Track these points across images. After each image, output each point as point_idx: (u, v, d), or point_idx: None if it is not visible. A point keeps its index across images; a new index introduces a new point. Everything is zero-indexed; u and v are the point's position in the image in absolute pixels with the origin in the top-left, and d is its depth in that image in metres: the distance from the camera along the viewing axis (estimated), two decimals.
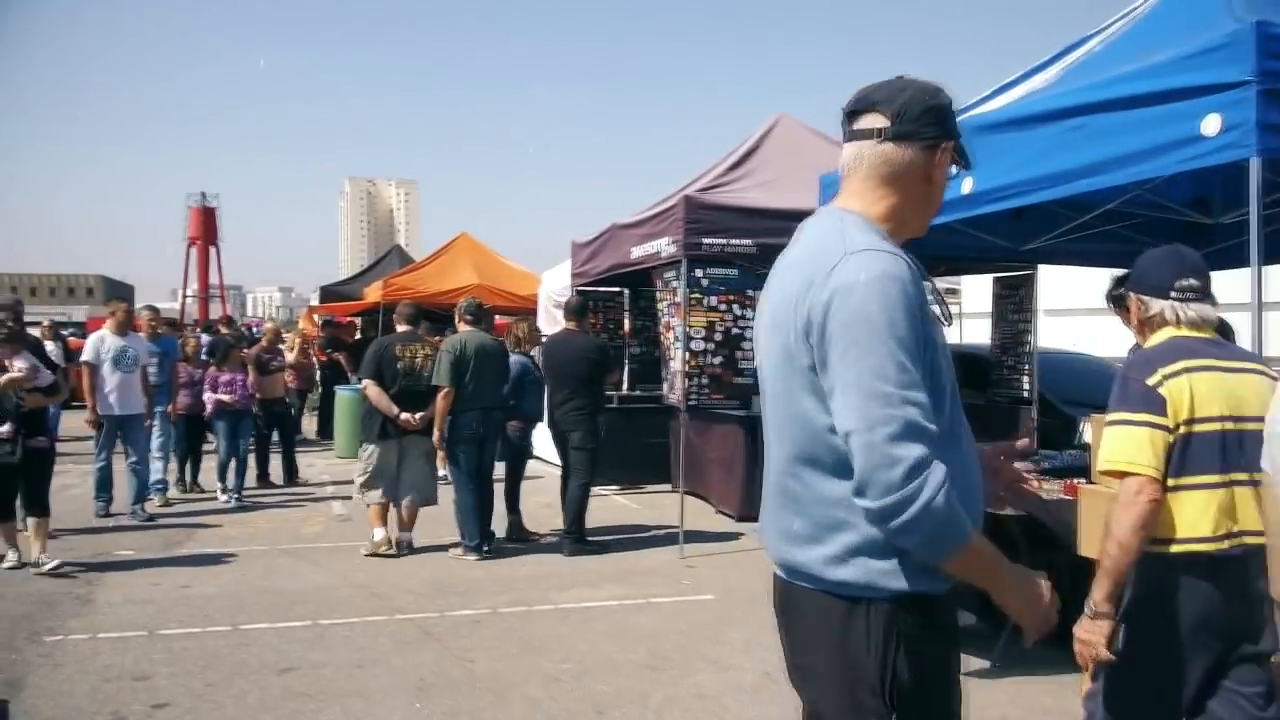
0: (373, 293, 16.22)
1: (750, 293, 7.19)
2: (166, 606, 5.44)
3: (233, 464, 8.98)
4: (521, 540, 7.37)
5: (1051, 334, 8.43)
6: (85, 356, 7.85)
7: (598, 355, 7.24)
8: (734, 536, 7.64)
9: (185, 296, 79.71)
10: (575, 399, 7.10)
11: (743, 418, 8.01)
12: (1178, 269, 2.56)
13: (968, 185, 4.61)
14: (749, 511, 8.25)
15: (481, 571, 6.41)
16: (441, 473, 7.68)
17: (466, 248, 16.51)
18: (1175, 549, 2.35)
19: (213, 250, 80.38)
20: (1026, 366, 8.31)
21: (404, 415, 6.77)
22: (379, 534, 6.84)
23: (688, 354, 6.96)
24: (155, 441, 8.78)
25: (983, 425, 7.25)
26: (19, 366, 5.85)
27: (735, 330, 7.12)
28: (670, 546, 7.05)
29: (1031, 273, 8.17)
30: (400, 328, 7.36)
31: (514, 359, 7.50)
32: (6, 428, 5.82)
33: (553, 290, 12.53)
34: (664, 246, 7.17)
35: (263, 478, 9.96)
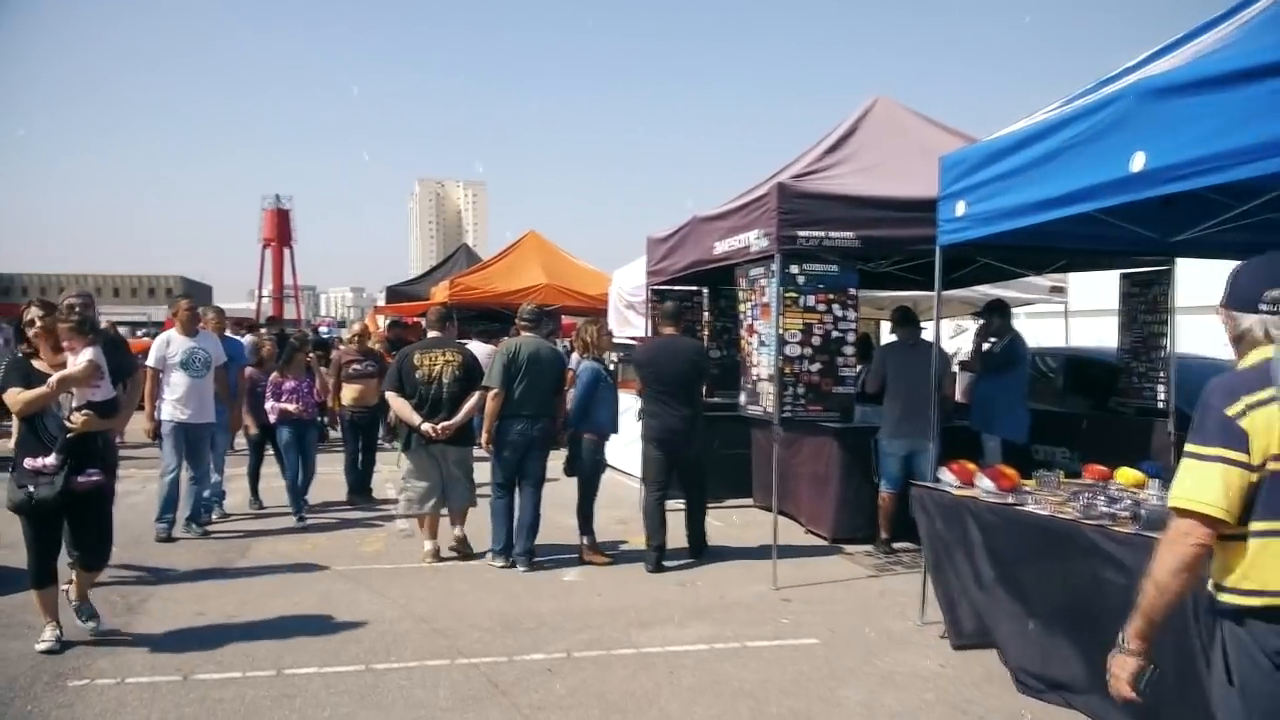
0: (439, 292, 15.81)
1: (852, 291, 6.42)
2: (208, 642, 4.89)
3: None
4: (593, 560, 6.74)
5: (1183, 335, 7.46)
6: (149, 360, 7.29)
7: (703, 360, 7.00)
8: (829, 561, 6.88)
9: (261, 296, 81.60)
10: (681, 407, 6.78)
11: (837, 429, 7.25)
12: (1270, 278, 2.28)
13: (1138, 162, 3.78)
14: (843, 533, 7.48)
15: (552, 602, 5.76)
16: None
17: (534, 246, 16.01)
18: (1258, 602, 2.14)
19: (287, 251, 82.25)
20: (1162, 374, 7.38)
21: (425, 425, 6.60)
22: (428, 545, 6.82)
23: (781, 360, 6.23)
24: (217, 453, 8.25)
25: (1102, 439, 6.34)
26: (83, 360, 4.55)
27: (835, 333, 6.36)
28: (761, 573, 6.32)
29: (1169, 268, 7.25)
30: (430, 334, 7.21)
31: (584, 366, 6.87)
32: (51, 459, 4.47)
33: (624, 290, 11.87)
34: (753, 240, 6.43)
35: (359, 491, 9.27)
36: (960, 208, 5.07)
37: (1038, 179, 4.42)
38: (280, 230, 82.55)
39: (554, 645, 4.92)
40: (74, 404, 4.57)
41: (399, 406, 6.76)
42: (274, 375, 8.29)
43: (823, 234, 6.11)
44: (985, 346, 7.56)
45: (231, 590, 5.92)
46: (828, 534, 7.58)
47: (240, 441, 9.64)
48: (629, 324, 11.71)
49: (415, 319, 18.27)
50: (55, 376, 4.51)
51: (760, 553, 7.08)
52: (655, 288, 8.91)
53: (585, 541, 6.82)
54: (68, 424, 4.53)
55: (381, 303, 24.58)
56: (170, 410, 7.21)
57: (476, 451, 6.99)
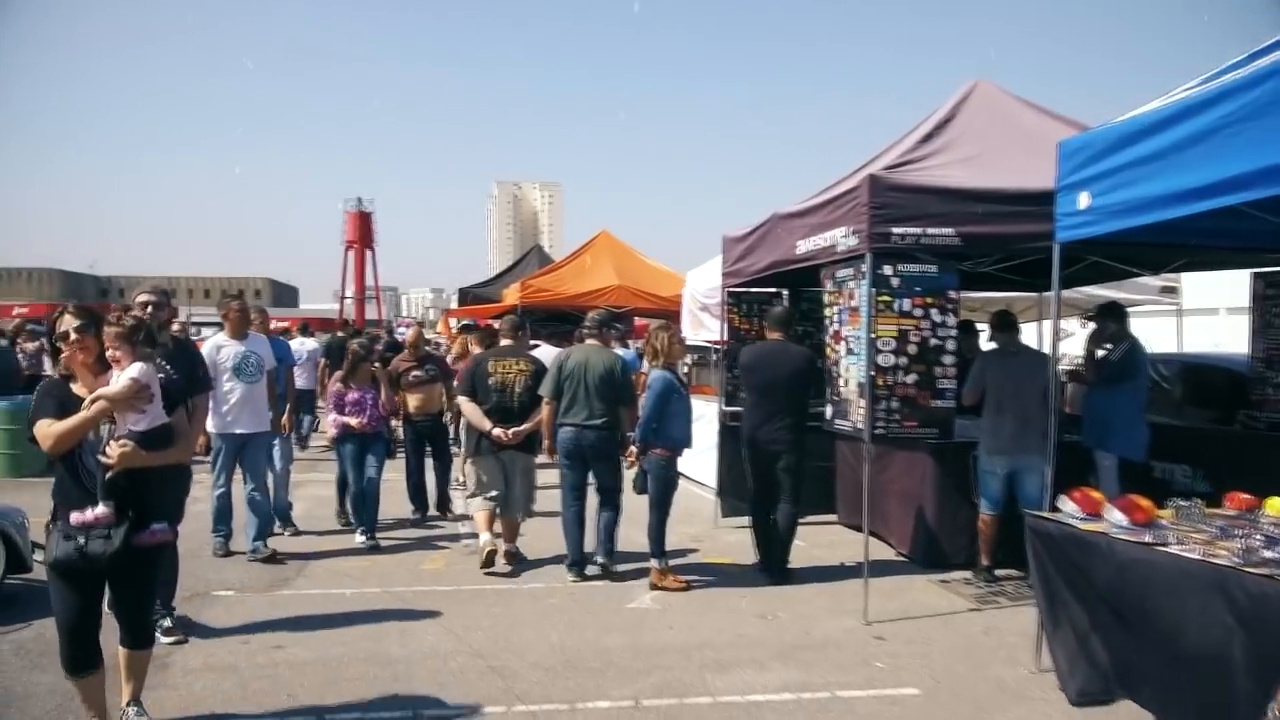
0: (511, 294, 15.50)
1: (952, 294, 5.80)
2: (249, 677, 4.54)
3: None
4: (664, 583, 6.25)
5: None
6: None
7: (810, 367, 6.64)
8: (925, 589, 6.27)
9: (344, 298, 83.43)
10: (784, 416, 6.49)
11: (932, 445, 6.62)
12: None
13: None
14: (938, 558, 6.84)
15: (620, 636, 5.28)
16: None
17: (606, 246, 15.60)
18: None
19: (369, 253, 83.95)
20: None
21: (495, 431, 6.66)
22: (484, 538, 6.76)
23: (874, 370, 5.65)
24: (278, 465, 7.92)
25: (1229, 458, 5.50)
26: (125, 377, 3.53)
27: (934, 340, 5.75)
28: (849, 602, 5.76)
29: None
30: (503, 341, 7.29)
31: (655, 375, 6.39)
32: (101, 509, 3.48)
33: (698, 291, 11.35)
34: (840, 238, 5.86)
35: (442, 506, 8.77)
36: (1083, 200, 4.44)
37: (1181, 166, 3.80)
38: (362, 232, 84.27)
39: (620, 690, 4.44)
40: (114, 432, 3.55)
41: (470, 411, 6.84)
42: (336, 386, 7.75)
43: (919, 231, 5.51)
44: (1100, 354, 6.83)
45: (282, 612, 5.60)
46: (921, 558, 6.95)
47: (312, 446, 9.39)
48: (703, 327, 11.20)
49: (487, 321, 18.08)
50: (91, 397, 3.50)
51: (847, 576, 6.54)
52: (732, 290, 8.38)
53: (657, 565, 6.32)
54: (103, 458, 3.51)
55: (454, 305, 24.55)
56: (222, 421, 6.76)
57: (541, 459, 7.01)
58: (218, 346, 6.90)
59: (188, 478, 5.02)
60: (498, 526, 6.93)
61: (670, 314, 12.94)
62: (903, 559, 7.12)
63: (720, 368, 9.11)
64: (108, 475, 3.49)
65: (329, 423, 7.74)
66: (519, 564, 6.88)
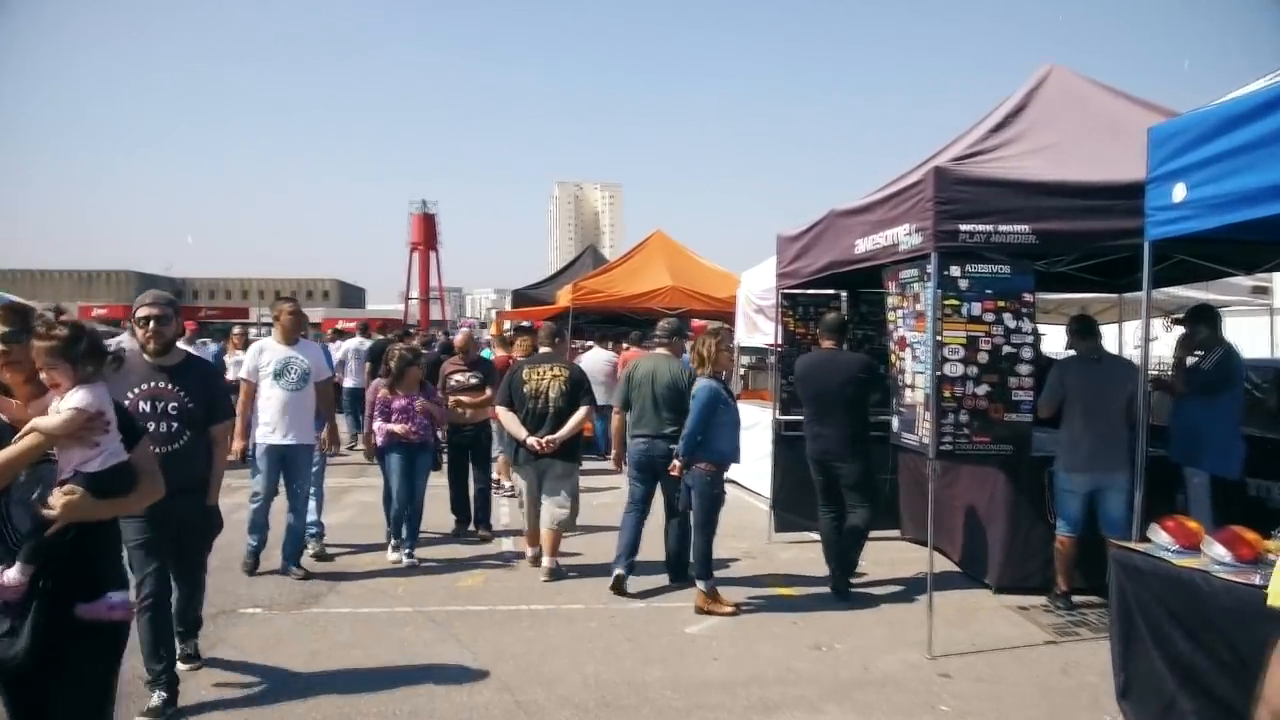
0: (563, 296, 15.23)
1: (1027, 297, 5.30)
2: (267, 699, 4.30)
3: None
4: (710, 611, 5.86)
5: None
6: (242, 370, 6.66)
7: (869, 375, 6.38)
8: (995, 616, 5.77)
9: (409, 298, 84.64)
10: (841, 427, 6.25)
11: (1006, 456, 6.09)
12: None
13: None
14: (1010, 581, 6.32)
15: (659, 668, 4.89)
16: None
17: (660, 247, 15.23)
18: None
19: (433, 255, 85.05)
20: None
21: (530, 439, 6.63)
22: (529, 552, 6.98)
23: (940, 380, 5.18)
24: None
25: None
26: (66, 405, 2.68)
27: (1007, 348, 5.25)
28: (912, 632, 5.30)
29: None
30: (541, 349, 7.36)
31: (700, 385, 5.99)
32: (13, 574, 2.58)
33: (753, 293, 10.91)
34: (903, 236, 5.40)
35: (480, 521, 8.17)
36: (1179, 192, 3.95)
37: None
38: (427, 234, 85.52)
39: None
40: (56, 474, 2.70)
41: (507, 420, 6.85)
42: (382, 392, 7.25)
43: (990, 228, 5.02)
44: (1191, 362, 6.24)
45: (308, 634, 5.35)
46: (991, 580, 6.44)
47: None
48: (758, 329, 10.76)
49: (541, 323, 17.85)
50: (24, 430, 2.65)
51: (910, 599, 6.08)
52: (786, 291, 7.94)
53: (703, 587, 5.91)
54: (45, 511, 2.62)
55: (508, 306, 24.40)
56: (262, 430, 6.42)
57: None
58: (260, 349, 6.56)
59: (217, 523, 4.56)
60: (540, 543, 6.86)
61: (725, 315, 12.55)
62: (971, 581, 6.61)
63: (776, 372, 8.67)
64: (46, 531, 2.60)
65: (375, 429, 7.21)
66: (559, 578, 6.63)
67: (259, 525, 6.61)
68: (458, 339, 9.29)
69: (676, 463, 6.02)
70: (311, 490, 6.89)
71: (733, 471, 11.04)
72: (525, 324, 17.47)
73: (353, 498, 9.84)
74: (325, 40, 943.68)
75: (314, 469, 6.88)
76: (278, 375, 6.42)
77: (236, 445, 6.15)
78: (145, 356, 4.26)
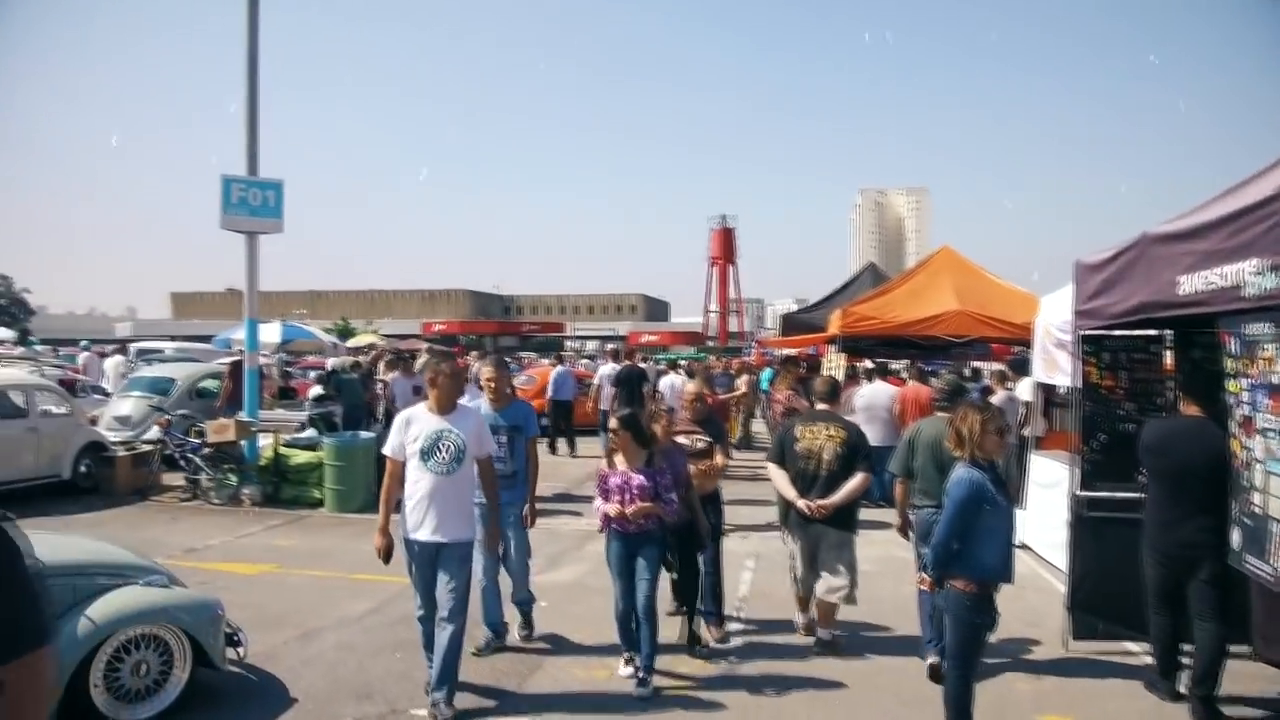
0: (834, 322, 13.89)
1: None
2: None
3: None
4: None
5: None
6: (386, 446, 5.33)
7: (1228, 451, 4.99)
8: None
9: (708, 312, 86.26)
10: (1205, 514, 5.05)
11: None
12: None
13: None
14: None
15: None
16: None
17: (947, 265, 13.47)
18: None
19: (731, 268, 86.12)
20: None
21: (801, 502, 6.07)
22: (798, 618, 6.54)
23: None
24: (477, 567, 5.73)
25: None
26: None
27: None
28: None
29: None
30: (819, 406, 6.71)
31: (959, 476, 4.51)
32: None
33: (1053, 323, 9.02)
34: (1250, 276, 3.76)
35: (710, 615, 6.45)
36: None
37: None
38: (725, 248, 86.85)
39: None
40: None
41: (777, 479, 6.36)
42: (601, 464, 5.71)
43: None
44: None
45: None
46: None
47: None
48: (1058, 370, 8.85)
49: (807, 354, 16.56)
50: None
51: None
52: (1088, 334, 6.24)
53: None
54: None
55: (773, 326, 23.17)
56: (410, 522, 5.16)
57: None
58: (407, 421, 5.28)
59: None
60: (813, 610, 6.39)
61: (1022, 342, 10.73)
62: None
63: (1075, 431, 6.89)
64: None
65: (595, 508, 5.69)
66: (833, 651, 6.10)
67: (432, 639, 5.17)
68: (688, 389, 7.15)
69: (925, 576, 4.67)
70: (514, 567, 6.11)
71: (1027, 534, 9.23)
72: (791, 353, 16.41)
73: (596, 546, 9.24)
74: (635, 61, 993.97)
75: (510, 539, 6.06)
76: (426, 454, 5.15)
77: (377, 541, 5.17)
78: None
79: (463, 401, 5.50)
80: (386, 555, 5.14)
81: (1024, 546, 9.31)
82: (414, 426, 5.21)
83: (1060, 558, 7.43)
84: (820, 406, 6.67)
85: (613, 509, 5.41)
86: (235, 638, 5.17)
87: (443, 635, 4.97)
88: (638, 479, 5.40)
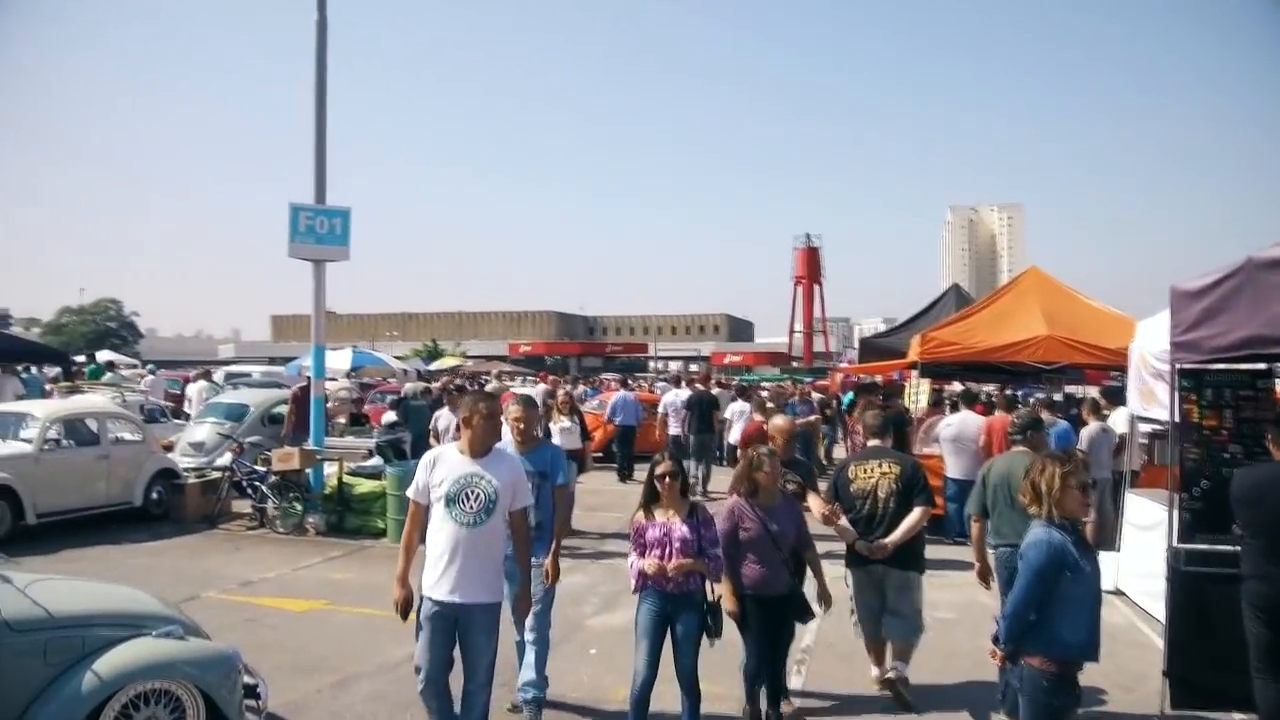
0: (913, 348, 13.23)
1: None
2: None
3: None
4: None
5: None
6: (410, 488, 4.77)
7: None
8: None
9: (793, 332, 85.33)
10: None
11: None
12: None
13: None
14: None
15: None
16: None
17: (1035, 287, 12.68)
18: None
19: (816, 287, 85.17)
20: None
21: (859, 544, 5.78)
22: (873, 671, 6.13)
23: None
24: (531, 639, 5.31)
25: None
26: None
27: None
28: None
29: None
30: (870, 442, 6.30)
31: (1033, 536, 3.94)
32: None
33: (1150, 351, 8.28)
34: None
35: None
36: None
37: None
38: (810, 267, 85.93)
39: None
40: None
41: (833, 519, 5.99)
42: (638, 514, 5.02)
43: None
44: None
45: None
46: None
47: None
48: (1155, 400, 8.12)
49: (892, 378, 15.87)
50: None
51: None
52: (1186, 368, 5.61)
53: None
54: None
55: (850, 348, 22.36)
56: (426, 577, 4.55)
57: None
58: (434, 461, 4.71)
59: None
60: (889, 659, 6.04)
61: (1119, 368, 9.97)
62: None
63: (1172, 473, 6.23)
64: None
65: (629, 566, 5.00)
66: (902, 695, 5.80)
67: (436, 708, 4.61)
68: (776, 427, 6.23)
69: (996, 649, 4.11)
70: (531, 639, 5.28)
71: (1122, 579, 8.47)
72: (872, 380, 15.74)
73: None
74: (720, 78, 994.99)
75: (537, 608, 5.21)
76: (451, 501, 4.54)
77: (395, 594, 4.61)
78: None
79: (500, 445, 4.91)
80: (404, 609, 4.56)
81: (1118, 592, 8.57)
82: (440, 468, 4.63)
83: (1159, 608, 6.74)
84: (872, 443, 6.29)
85: (650, 565, 4.77)
86: (255, 690, 4.93)
87: (466, 708, 4.55)
88: (679, 530, 4.78)
